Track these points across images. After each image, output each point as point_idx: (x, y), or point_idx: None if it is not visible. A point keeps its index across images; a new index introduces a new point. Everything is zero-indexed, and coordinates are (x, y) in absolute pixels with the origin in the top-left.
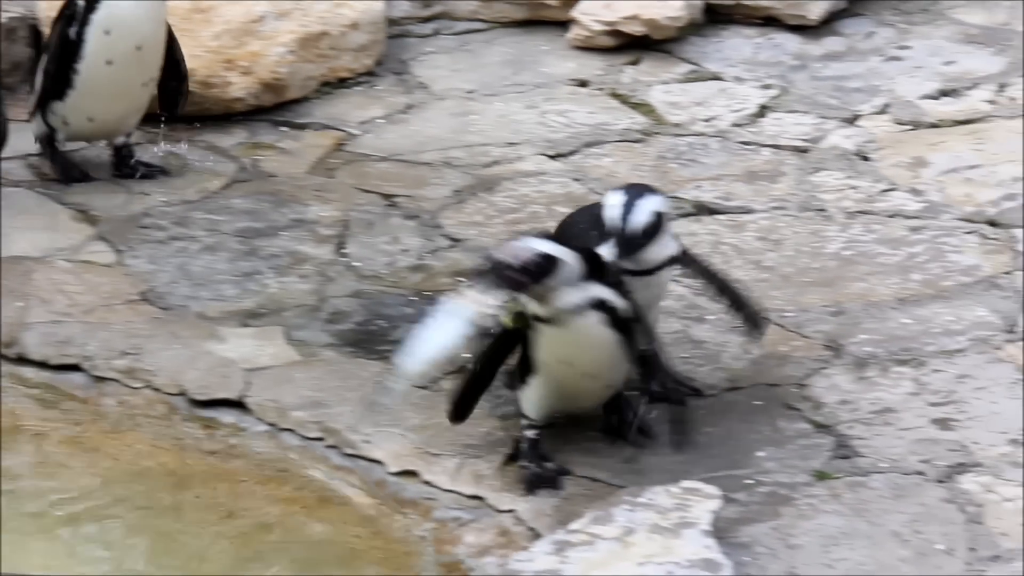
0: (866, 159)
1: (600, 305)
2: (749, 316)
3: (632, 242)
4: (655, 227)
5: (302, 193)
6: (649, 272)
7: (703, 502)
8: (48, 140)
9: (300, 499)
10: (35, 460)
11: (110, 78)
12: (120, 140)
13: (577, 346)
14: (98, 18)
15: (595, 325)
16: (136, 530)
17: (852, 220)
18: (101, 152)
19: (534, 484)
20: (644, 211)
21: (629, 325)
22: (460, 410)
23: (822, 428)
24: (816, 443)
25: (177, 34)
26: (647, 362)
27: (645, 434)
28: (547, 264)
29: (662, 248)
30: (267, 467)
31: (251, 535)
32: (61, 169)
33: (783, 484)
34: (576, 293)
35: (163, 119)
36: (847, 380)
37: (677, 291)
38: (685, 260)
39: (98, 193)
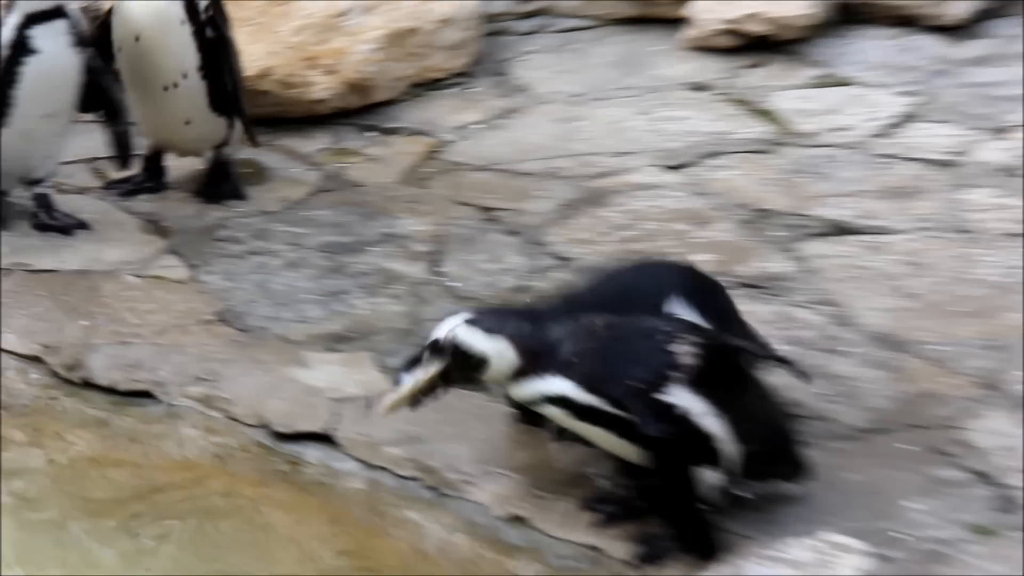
0: (1020, 176)
1: (557, 400)
2: None
3: None
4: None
5: (392, 205)
6: None
7: (847, 558)
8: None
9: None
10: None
11: (127, 69)
12: (210, 155)
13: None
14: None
15: (563, 419)
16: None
17: (1006, 243)
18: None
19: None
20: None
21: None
22: (699, 545)
23: (979, 476)
24: (973, 493)
25: (254, 29)
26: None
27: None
28: (463, 356)
29: None
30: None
31: None
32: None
33: (938, 539)
34: (528, 385)
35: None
36: (1007, 423)
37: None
38: None
39: (169, 202)
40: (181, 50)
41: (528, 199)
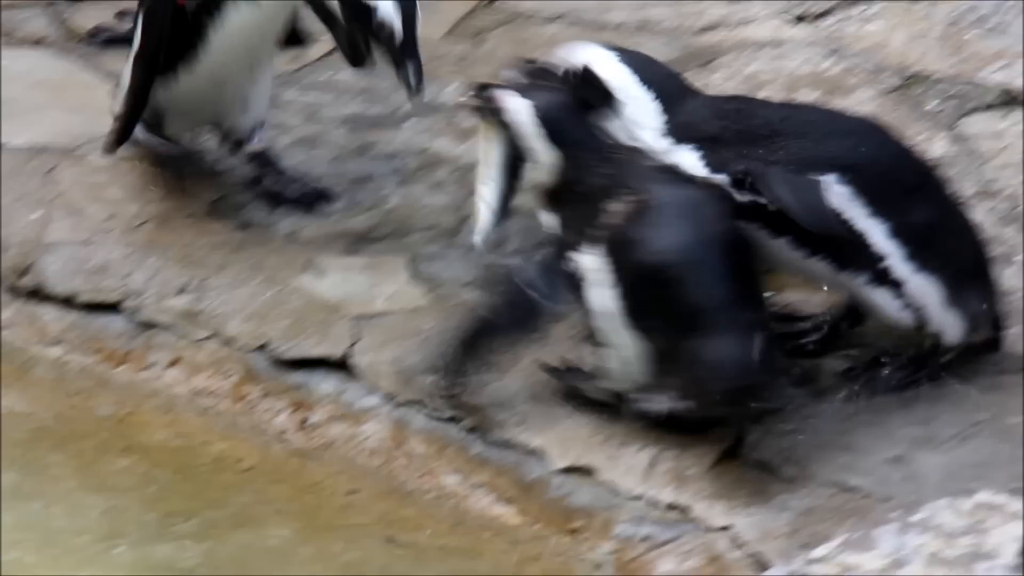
0: None
1: None
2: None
3: None
4: None
5: (436, 66)
6: None
7: (1005, 524)
8: None
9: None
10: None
11: None
12: None
13: None
14: None
15: None
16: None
17: None
18: None
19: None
20: None
21: None
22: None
23: None
24: None
25: None
26: None
27: None
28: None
29: None
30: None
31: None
32: None
33: None
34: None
35: None
36: None
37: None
38: None
39: None
40: None
41: None
